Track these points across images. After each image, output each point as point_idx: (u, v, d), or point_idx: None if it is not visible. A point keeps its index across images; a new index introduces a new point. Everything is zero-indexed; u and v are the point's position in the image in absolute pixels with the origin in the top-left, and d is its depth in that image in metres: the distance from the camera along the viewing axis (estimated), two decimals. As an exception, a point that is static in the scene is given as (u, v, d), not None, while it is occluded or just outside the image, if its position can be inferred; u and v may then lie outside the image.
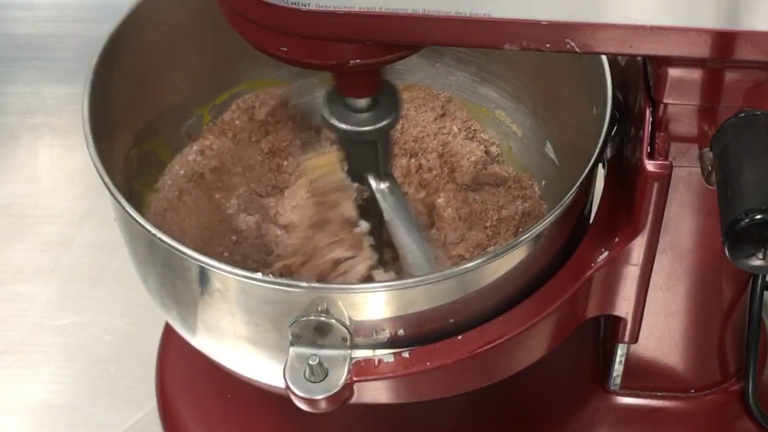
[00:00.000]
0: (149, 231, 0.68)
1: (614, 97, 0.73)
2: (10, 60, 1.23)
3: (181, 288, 0.71)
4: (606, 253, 0.71)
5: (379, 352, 0.69)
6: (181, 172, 0.86)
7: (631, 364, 0.82)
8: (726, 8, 0.57)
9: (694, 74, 0.63)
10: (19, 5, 1.27)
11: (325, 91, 0.70)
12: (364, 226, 0.75)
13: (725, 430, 0.86)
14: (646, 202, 0.68)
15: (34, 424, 0.94)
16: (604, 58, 0.74)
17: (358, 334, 0.68)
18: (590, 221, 0.74)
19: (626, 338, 0.78)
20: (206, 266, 0.67)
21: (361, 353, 0.68)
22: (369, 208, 0.75)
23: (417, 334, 0.69)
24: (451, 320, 0.69)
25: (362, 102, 0.69)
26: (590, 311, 0.74)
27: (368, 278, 0.75)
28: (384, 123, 0.69)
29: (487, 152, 0.91)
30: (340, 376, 0.67)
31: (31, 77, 1.22)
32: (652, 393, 0.85)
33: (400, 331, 0.69)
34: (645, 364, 0.82)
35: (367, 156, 0.72)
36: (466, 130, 0.92)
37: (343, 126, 0.69)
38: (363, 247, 0.75)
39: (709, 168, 0.66)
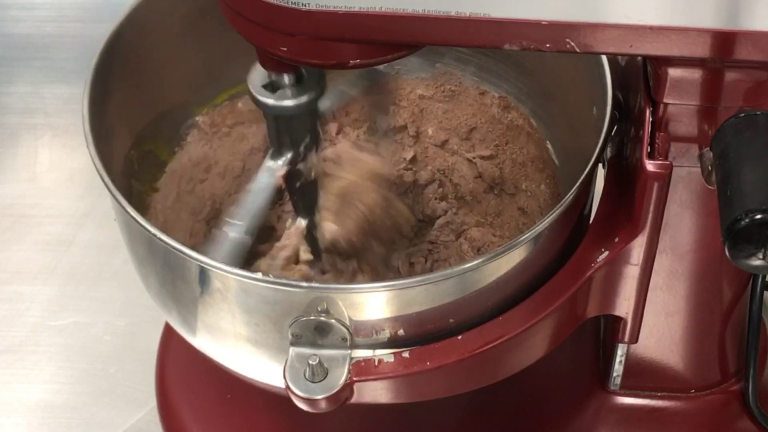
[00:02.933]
0: (149, 231, 0.68)
1: (614, 97, 0.73)
2: (10, 60, 1.23)
3: (181, 288, 0.71)
4: (606, 253, 0.71)
5: (379, 352, 0.69)
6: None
7: (631, 364, 0.82)
8: (726, 8, 0.57)
9: (694, 74, 0.63)
10: (19, 5, 1.27)
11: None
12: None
13: (725, 430, 0.86)
14: (646, 202, 0.68)
15: (34, 424, 0.94)
16: (604, 58, 0.74)
17: (358, 334, 0.68)
18: (590, 221, 0.74)
19: (626, 338, 0.78)
20: (206, 266, 0.67)
21: (361, 353, 0.69)
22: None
23: (417, 334, 0.69)
24: (451, 320, 0.69)
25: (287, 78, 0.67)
26: (590, 311, 0.74)
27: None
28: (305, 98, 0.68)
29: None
30: (340, 376, 0.67)
31: (31, 77, 1.22)
32: (652, 393, 0.85)
33: (400, 331, 0.69)
34: (645, 364, 0.82)
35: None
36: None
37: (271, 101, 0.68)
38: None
39: (709, 168, 0.66)
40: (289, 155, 0.70)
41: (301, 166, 0.71)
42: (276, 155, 0.71)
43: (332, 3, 0.58)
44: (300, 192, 0.73)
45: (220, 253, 0.70)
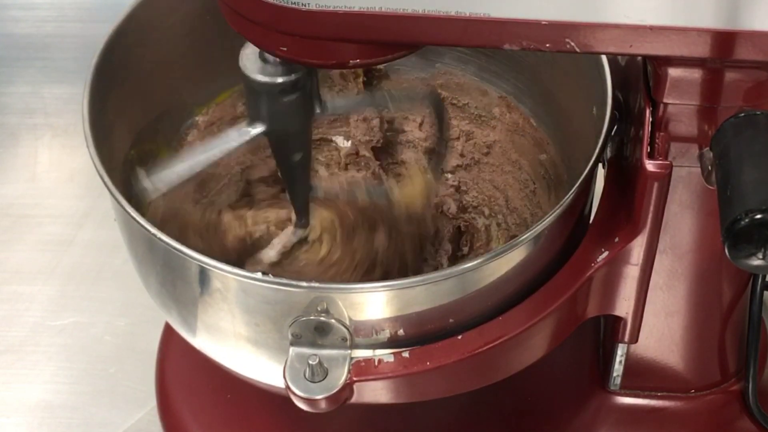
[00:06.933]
0: (149, 231, 0.68)
1: (614, 97, 0.73)
2: (10, 60, 1.23)
3: (181, 288, 0.71)
4: (606, 253, 0.71)
5: (379, 352, 0.69)
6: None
7: (631, 364, 0.82)
8: (726, 8, 0.57)
9: (694, 74, 0.63)
10: (19, 5, 1.27)
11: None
12: None
13: (725, 430, 0.86)
14: (646, 202, 0.68)
15: (34, 424, 0.94)
16: (604, 58, 0.74)
17: (358, 334, 0.68)
18: (590, 221, 0.74)
19: (626, 338, 0.78)
20: (206, 266, 0.67)
21: (361, 353, 0.69)
22: None
23: (417, 334, 0.69)
24: (451, 320, 0.69)
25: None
26: (590, 311, 0.74)
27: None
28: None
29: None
30: (340, 376, 0.67)
31: (31, 77, 1.22)
32: (652, 393, 0.85)
33: (400, 331, 0.69)
34: (645, 364, 0.82)
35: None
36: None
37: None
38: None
39: (709, 168, 0.66)
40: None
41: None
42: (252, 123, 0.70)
43: (332, 3, 0.58)
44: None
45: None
